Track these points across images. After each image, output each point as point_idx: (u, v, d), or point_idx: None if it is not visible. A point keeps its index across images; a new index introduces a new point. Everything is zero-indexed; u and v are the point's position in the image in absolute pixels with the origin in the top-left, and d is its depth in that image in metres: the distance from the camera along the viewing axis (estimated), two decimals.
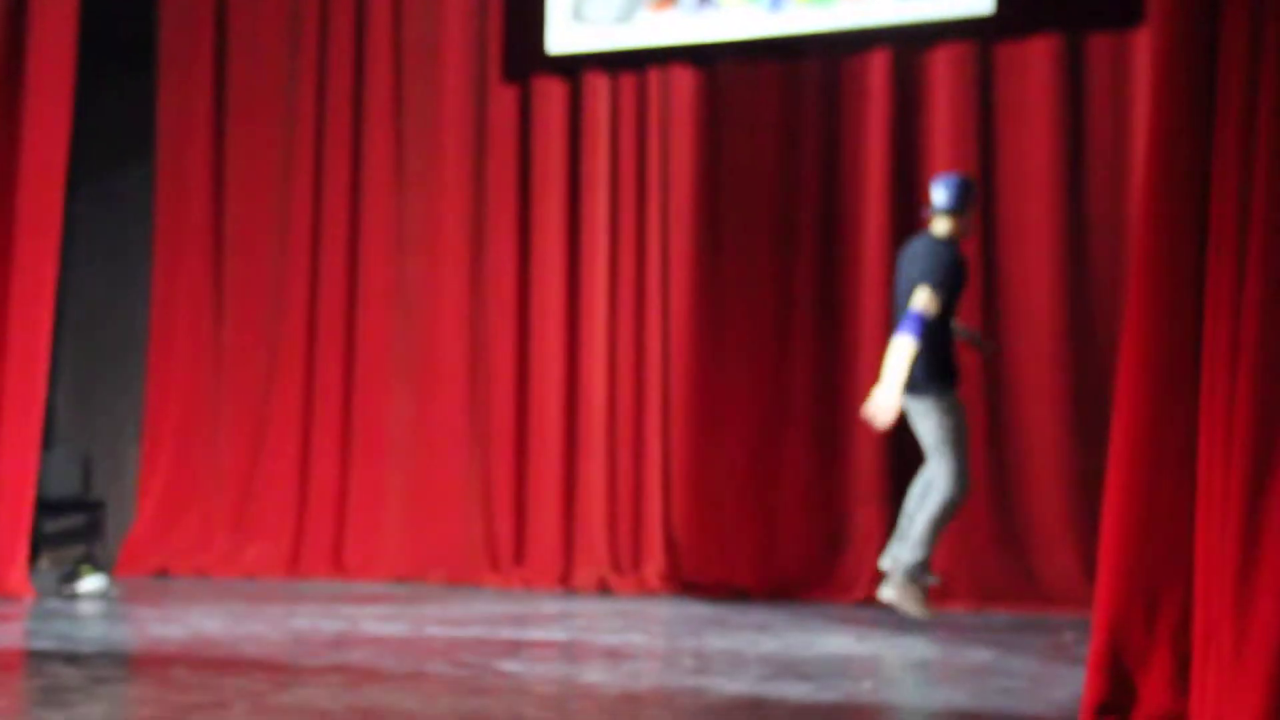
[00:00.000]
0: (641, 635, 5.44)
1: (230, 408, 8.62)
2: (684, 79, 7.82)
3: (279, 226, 8.65)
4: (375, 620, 5.73)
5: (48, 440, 7.70)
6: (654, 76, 7.90)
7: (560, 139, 8.11)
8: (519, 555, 7.95)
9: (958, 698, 3.85)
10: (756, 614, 6.28)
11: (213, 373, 8.68)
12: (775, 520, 7.39)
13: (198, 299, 8.72)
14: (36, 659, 4.47)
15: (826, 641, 5.16)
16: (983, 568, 6.38)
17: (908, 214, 7.27)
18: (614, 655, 4.75)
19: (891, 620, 6.03)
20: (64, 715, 3.18)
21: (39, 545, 8.37)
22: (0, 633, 5.27)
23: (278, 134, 8.70)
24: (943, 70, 7.32)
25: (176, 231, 8.78)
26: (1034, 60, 7.17)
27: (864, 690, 3.99)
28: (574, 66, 8.07)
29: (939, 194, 5.96)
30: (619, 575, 7.62)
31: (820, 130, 7.59)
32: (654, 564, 7.57)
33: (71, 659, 4.34)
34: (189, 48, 8.83)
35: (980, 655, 4.81)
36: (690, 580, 7.44)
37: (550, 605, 6.79)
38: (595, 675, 4.27)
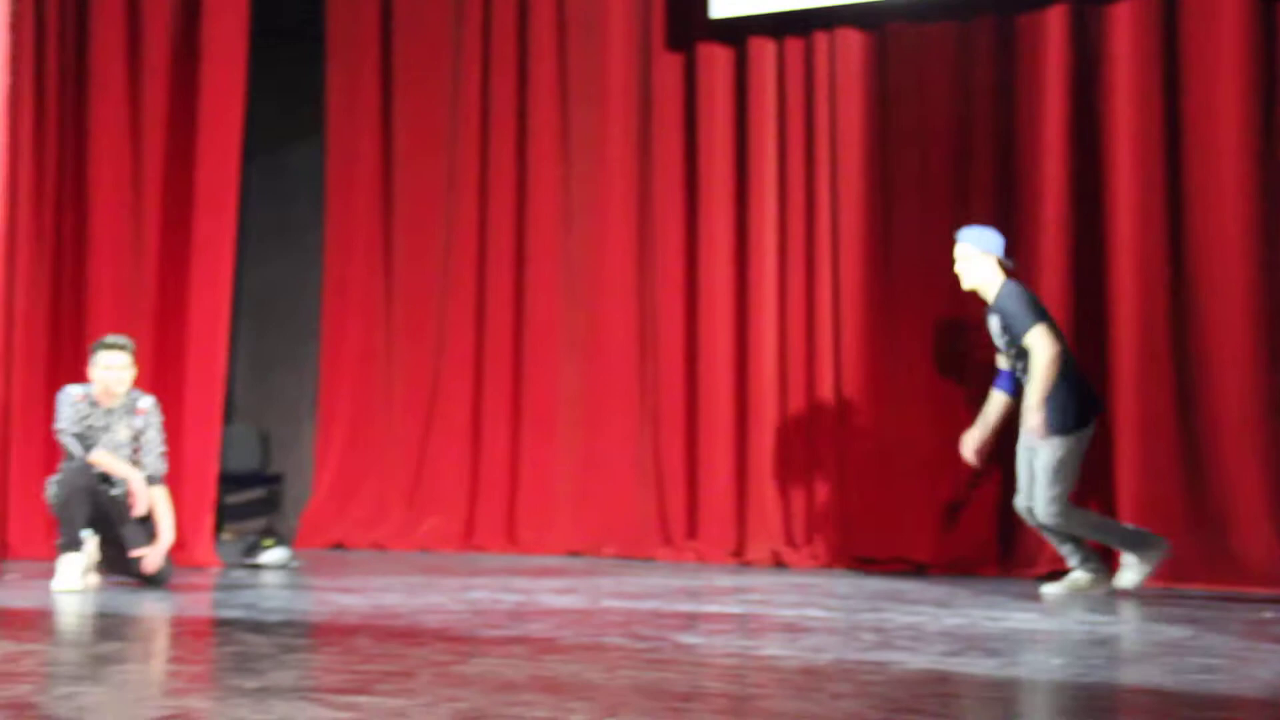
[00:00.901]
0: (819, 609, 5.35)
1: (402, 383, 8.74)
2: (852, 41, 7.66)
3: (447, 201, 8.73)
4: (551, 593, 5.74)
5: (227, 415, 7.89)
6: (821, 39, 7.76)
7: (726, 106, 8.02)
8: (691, 529, 7.92)
9: (1155, 675, 3.69)
10: (935, 589, 6.15)
11: (384, 348, 8.80)
12: (955, 494, 7.22)
13: (369, 275, 8.85)
14: (226, 627, 4.57)
15: (1010, 617, 5.01)
16: (1174, 544, 6.13)
17: (1087, 179, 7.03)
18: (792, 629, 4.67)
19: (1077, 596, 5.86)
20: (257, 682, 3.22)
21: (222, 518, 8.60)
22: (191, 601, 5.40)
23: (444, 109, 8.78)
24: (1124, 24, 7.00)
25: (347, 209, 8.92)
26: (1223, 11, 6.81)
27: (1054, 666, 3.85)
28: (739, 31, 7.96)
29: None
30: (792, 549, 7.54)
31: (995, 92, 7.36)
32: (828, 538, 7.47)
33: (259, 627, 4.42)
34: (356, 25, 8.96)
35: (1175, 632, 4.62)
36: (865, 555, 7.33)
37: (724, 579, 6.74)
38: (774, 648, 4.20)
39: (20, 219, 7.04)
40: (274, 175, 9.24)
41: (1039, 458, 5.89)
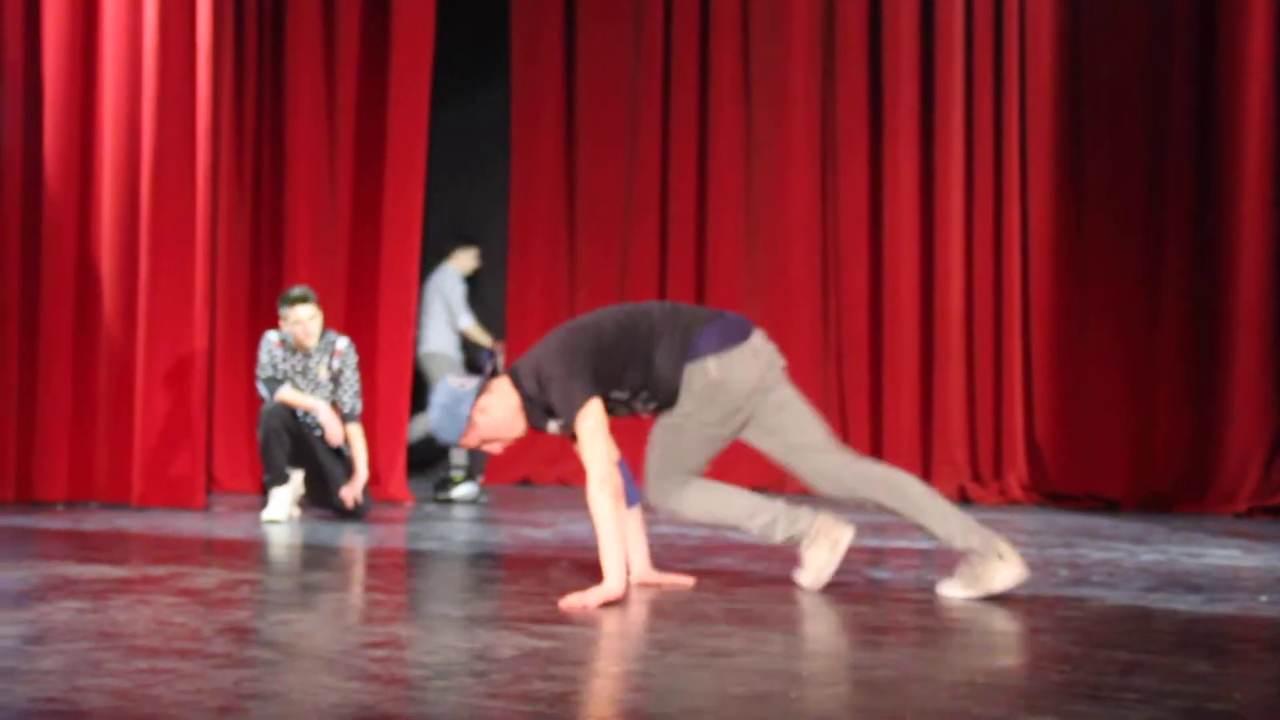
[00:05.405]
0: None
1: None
2: None
3: (630, 141, 8.74)
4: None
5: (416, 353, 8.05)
6: None
7: (912, 39, 7.88)
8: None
9: None
10: (1129, 526, 6.03)
11: (568, 292, 8.86)
12: (1148, 430, 7.05)
13: (552, 214, 8.91)
14: (423, 559, 4.69)
15: (1211, 554, 4.89)
16: None
17: None
18: None
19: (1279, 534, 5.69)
20: (459, 611, 3.32)
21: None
22: (389, 534, 5.56)
23: (626, 44, 8.77)
24: None
25: (531, 147, 8.98)
26: None
27: (1262, 604, 3.75)
28: None
29: None
30: (979, 485, 7.46)
31: (1194, 20, 7.08)
32: (1016, 474, 7.37)
33: (455, 559, 4.53)
34: None
35: None
36: (1054, 491, 7.21)
37: None
38: None
39: (222, 168, 7.28)
40: (461, 115, 9.31)
41: None
